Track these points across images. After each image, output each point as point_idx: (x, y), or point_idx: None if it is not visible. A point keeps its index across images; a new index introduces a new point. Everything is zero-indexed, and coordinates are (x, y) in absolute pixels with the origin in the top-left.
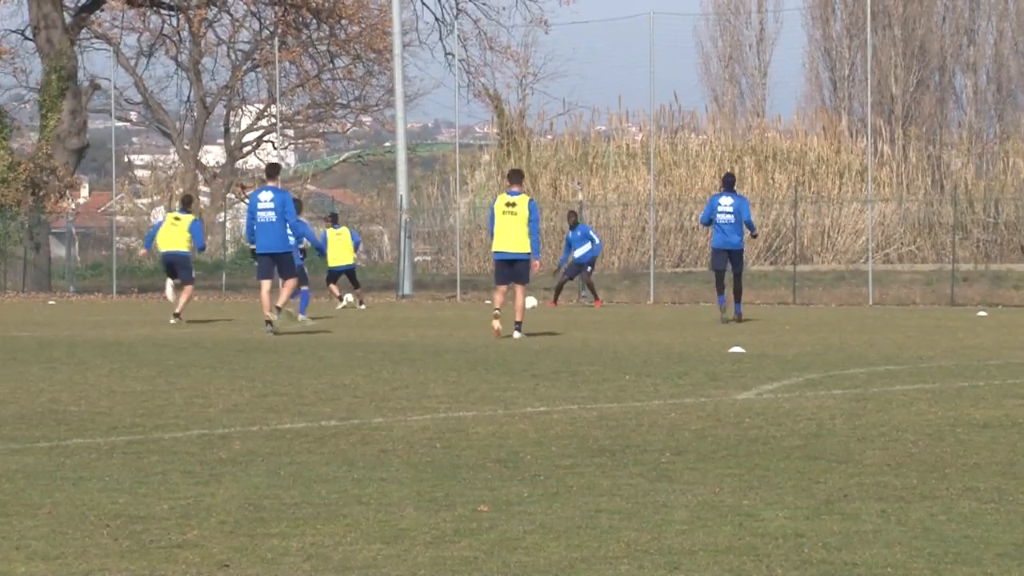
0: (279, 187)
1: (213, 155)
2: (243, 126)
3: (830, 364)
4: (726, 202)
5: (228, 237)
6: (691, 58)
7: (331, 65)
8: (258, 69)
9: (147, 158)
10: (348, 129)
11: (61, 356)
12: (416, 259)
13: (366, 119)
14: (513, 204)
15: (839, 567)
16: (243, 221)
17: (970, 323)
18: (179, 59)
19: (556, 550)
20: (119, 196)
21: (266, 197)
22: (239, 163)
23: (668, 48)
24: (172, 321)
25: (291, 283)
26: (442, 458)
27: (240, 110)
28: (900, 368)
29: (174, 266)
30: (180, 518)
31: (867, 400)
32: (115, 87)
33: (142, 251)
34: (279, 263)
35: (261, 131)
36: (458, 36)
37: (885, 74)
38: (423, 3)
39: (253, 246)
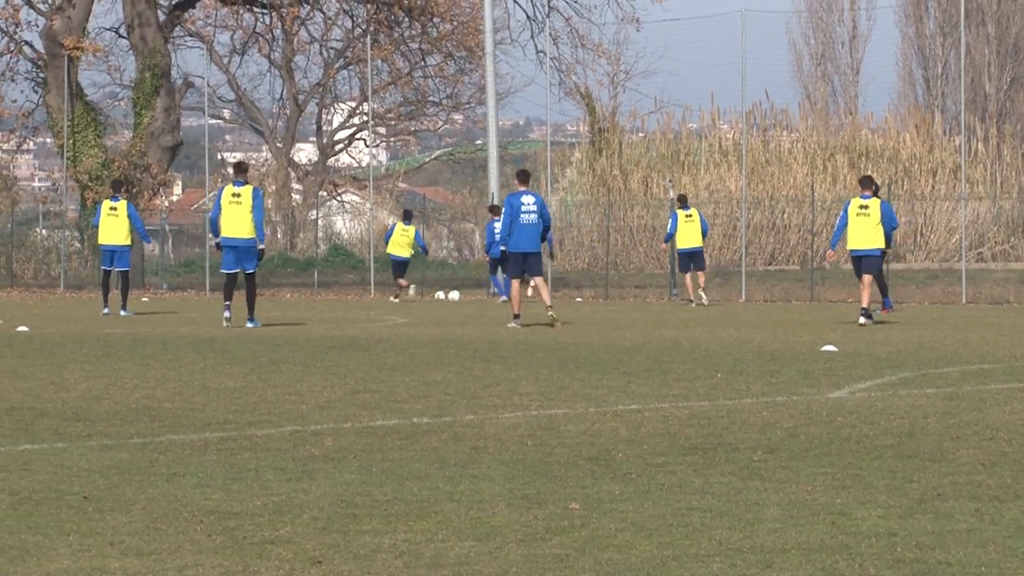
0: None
1: (305, 153)
2: (335, 124)
3: (923, 363)
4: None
5: (320, 235)
6: (783, 55)
7: (423, 63)
8: (350, 67)
9: (240, 155)
10: (440, 127)
11: (155, 353)
12: None
13: (457, 117)
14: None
15: (932, 566)
16: (334, 219)
17: None
18: (272, 57)
19: (647, 548)
20: (212, 194)
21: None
22: (331, 161)
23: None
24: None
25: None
26: (533, 456)
27: (332, 108)
28: (994, 367)
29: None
30: (273, 514)
31: (961, 399)
32: (208, 85)
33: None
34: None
35: (353, 129)
36: (549, 34)
37: (979, 72)
38: (515, 1)
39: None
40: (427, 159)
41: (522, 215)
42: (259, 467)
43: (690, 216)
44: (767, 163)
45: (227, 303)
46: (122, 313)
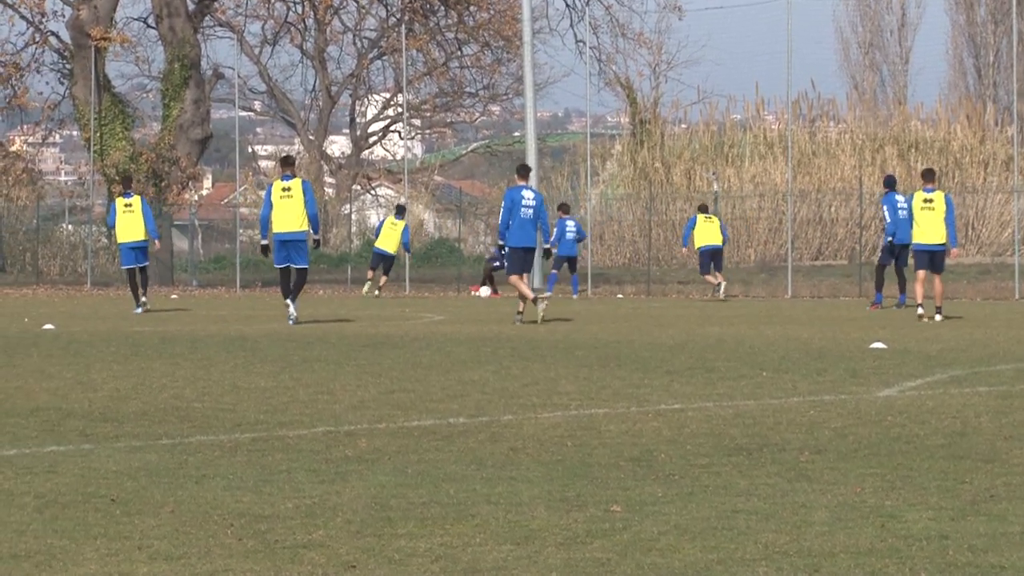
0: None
1: (338, 145)
2: (369, 116)
3: (975, 360)
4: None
5: (354, 229)
6: (830, 44)
7: (459, 53)
8: (384, 57)
9: (271, 148)
10: (476, 118)
11: (184, 351)
12: None
13: (495, 108)
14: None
15: (985, 570)
16: (368, 214)
17: None
18: (304, 47)
19: (692, 552)
20: (243, 187)
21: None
22: (365, 153)
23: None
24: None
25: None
26: (573, 457)
27: (366, 99)
28: None
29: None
30: (305, 517)
31: (1014, 397)
32: (239, 76)
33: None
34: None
35: (387, 121)
36: (589, 23)
37: None
38: None
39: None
40: (463, 152)
41: (522, 210)
42: (291, 469)
43: (709, 218)
44: (814, 155)
45: (288, 301)
46: (136, 311)
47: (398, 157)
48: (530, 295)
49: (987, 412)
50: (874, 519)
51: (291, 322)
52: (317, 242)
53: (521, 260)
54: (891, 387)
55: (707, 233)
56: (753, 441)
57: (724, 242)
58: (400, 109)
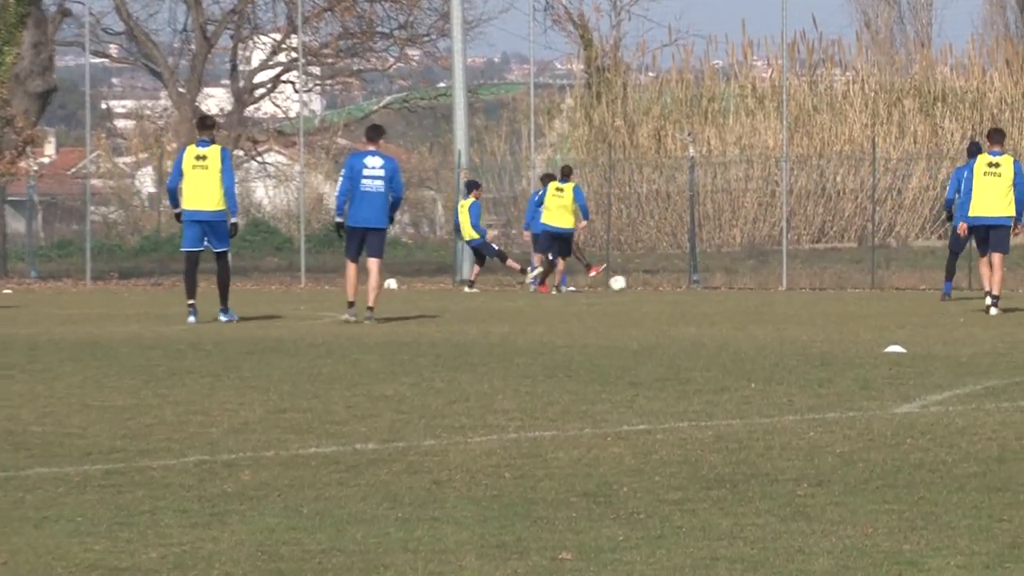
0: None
1: (216, 100)
2: (254, 63)
3: (1017, 367)
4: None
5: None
6: None
7: None
8: None
9: (131, 104)
10: (391, 66)
11: (19, 361)
12: None
13: (414, 53)
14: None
15: None
16: (253, 185)
17: None
18: None
19: None
20: (95, 154)
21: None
22: (249, 110)
23: None
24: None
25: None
26: (512, 491)
27: (251, 42)
28: None
29: None
30: (173, 569)
31: None
32: (90, 13)
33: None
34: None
35: (278, 69)
36: None
37: None
38: None
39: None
40: (374, 108)
41: (364, 181)
42: (155, 509)
43: (561, 191)
44: (815, 110)
45: (191, 302)
46: None
47: (291, 115)
48: (353, 294)
49: None
50: (889, 567)
51: (192, 321)
52: (234, 226)
53: (359, 243)
54: (911, 402)
55: (554, 214)
56: (738, 470)
57: (585, 217)
58: (294, 54)
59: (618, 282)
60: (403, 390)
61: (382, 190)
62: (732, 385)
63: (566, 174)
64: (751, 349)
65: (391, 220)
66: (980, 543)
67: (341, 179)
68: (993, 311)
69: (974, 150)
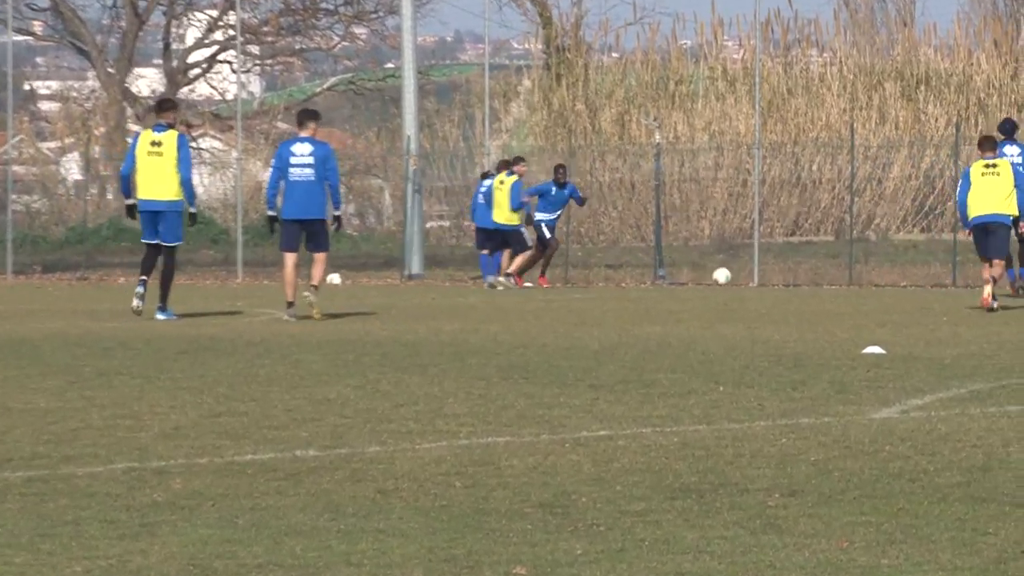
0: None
1: (148, 81)
2: (189, 41)
3: (1003, 369)
4: (1012, 152)
5: None
6: None
7: None
8: None
9: (56, 85)
10: (335, 45)
11: None
12: (429, 225)
13: (360, 31)
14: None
15: None
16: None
17: None
18: None
19: None
20: (17, 139)
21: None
22: (183, 92)
23: None
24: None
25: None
26: (463, 502)
27: (185, 19)
28: None
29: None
30: None
31: None
32: None
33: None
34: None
35: (214, 48)
36: None
37: None
38: None
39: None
40: (318, 90)
41: (292, 169)
42: (80, 519)
43: (503, 184)
44: (790, 94)
45: (143, 277)
46: None
47: (229, 97)
48: (292, 294)
49: (1019, 439)
50: None
51: (137, 304)
52: (193, 216)
53: (295, 236)
54: (890, 406)
55: (494, 208)
56: (705, 480)
57: (515, 208)
58: (232, 32)
59: (722, 274)
60: (347, 392)
61: (313, 178)
62: (699, 388)
63: (508, 165)
64: (720, 349)
65: (337, 212)
66: (963, 558)
67: (271, 169)
68: (994, 303)
69: (1008, 128)
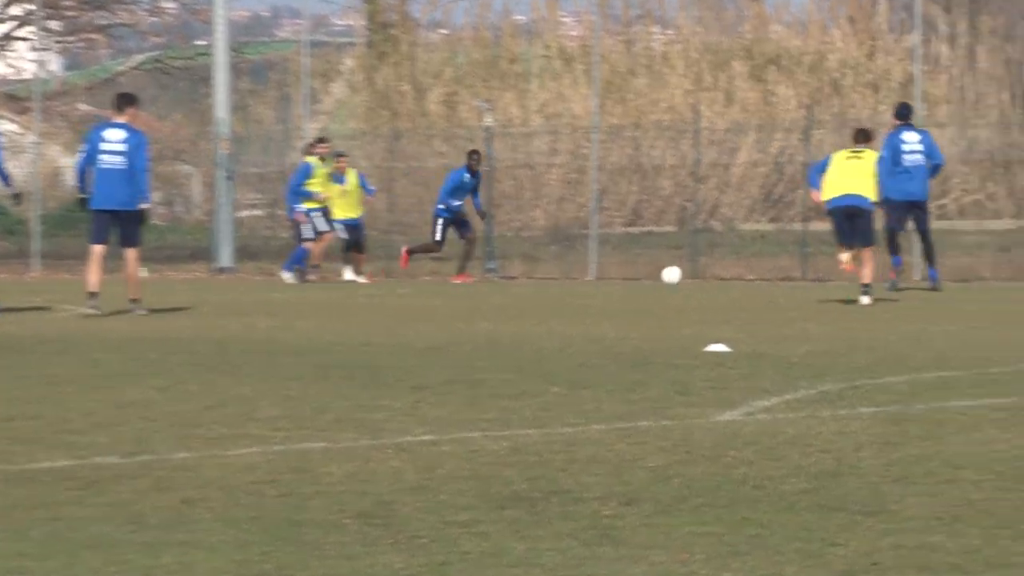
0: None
1: None
2: None
3: (856, 369)
4: (912, 139)
5: None
6: None
7: None
8: None
9: None
10: (141, 20)
11: None
12: (241, 214)
13: (169, 5)
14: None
15: None
16: None
17: None
18: None
19: None
20: None
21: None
22: None
23: None
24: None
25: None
26: (276, 512)
27: None
28: (958, 375)
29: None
30: None
31: (909, 422)
32: None
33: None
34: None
35: (10, 24)
36: None
37: None
38: None
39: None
40: (122, 68)
41: (103, 156)
42: None
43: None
44: (630, 74)
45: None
46: None
47: (25, 76)
48: (96, 283)
49: (871, 443)
50: None
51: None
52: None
53: (105, 227)
54: (735, 408)
55: (343, 202)
56: (536, 487)
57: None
58: (30, 6)
59: (673, 273)
60: (151, 394)
61: (124, 167)
62: (531, 389)
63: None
64: (553, 348)
65: (145, 205)
66: (811, 570)
67: (79, 154)
68: (865, 300)
69: (903, 112)
